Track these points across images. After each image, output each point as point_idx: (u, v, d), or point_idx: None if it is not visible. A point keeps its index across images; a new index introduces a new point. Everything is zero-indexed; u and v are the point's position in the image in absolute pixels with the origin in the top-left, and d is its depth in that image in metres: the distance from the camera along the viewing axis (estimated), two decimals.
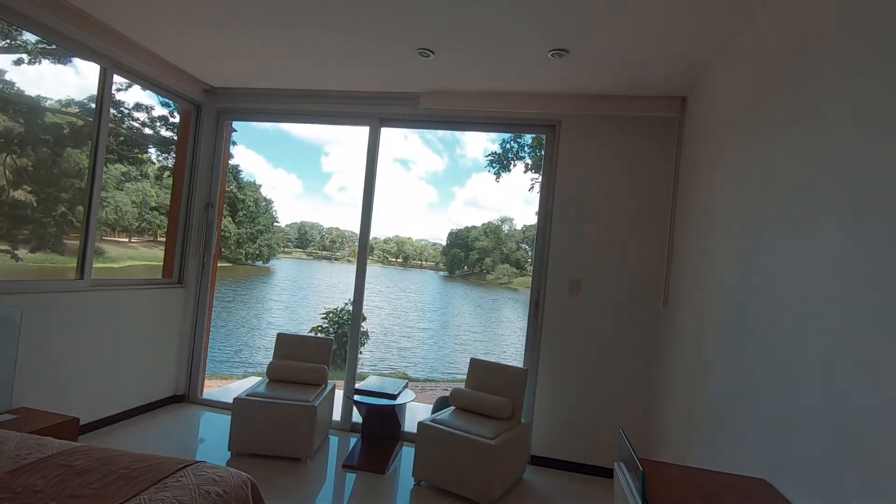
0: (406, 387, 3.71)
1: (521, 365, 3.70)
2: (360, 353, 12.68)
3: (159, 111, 15.24)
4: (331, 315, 11.89)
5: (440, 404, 3.85)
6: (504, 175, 9.74)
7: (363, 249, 3.98)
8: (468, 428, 2.98)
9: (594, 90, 3.37)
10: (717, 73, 2.69)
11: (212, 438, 3.57)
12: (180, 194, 4.13)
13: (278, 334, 3.83)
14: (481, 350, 17.32)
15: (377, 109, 3.90)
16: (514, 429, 3.10)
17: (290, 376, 3.60)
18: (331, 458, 3.44)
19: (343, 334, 11.74)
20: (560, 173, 3.60)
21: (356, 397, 3.41)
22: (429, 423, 3.05)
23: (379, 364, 13.86)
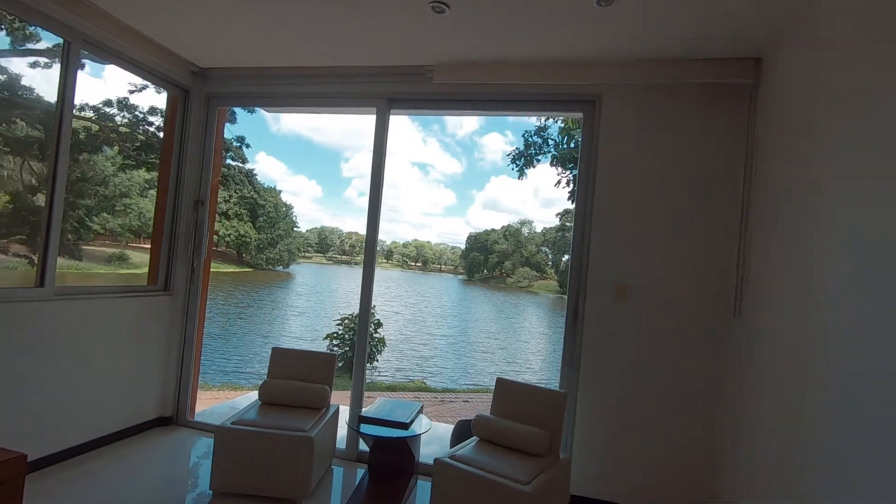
0: (421, 411, 3.15)
1: (549, 380, 3.11)
2: (376, 360, 12.21)
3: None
4: (346, 321, 11.43)
5: (460, 431, 3.27)
6: (527, 172, 9.15)
7: (371, 249, 3.45)
8: (496, 467, 2.40)
9: (644, 54, 2.78)
10: (816, 18, 2.07)
11: (199, 471, 3.07)
12: (166, 190, 3.66)
13: (273, 349, 3.32)
14: (504, 359, 16.58)
15: (385, 88, 3.38)
16: (552, 468, 2.51)
17: (286, 399, 3.08)
18: (334, 497, 2.91)
19: None
20: (601, 159, 3.01)
21: (361, 427, 2.86)
22: (447, 460, 2.48)
23: (396, 374, 13.34)
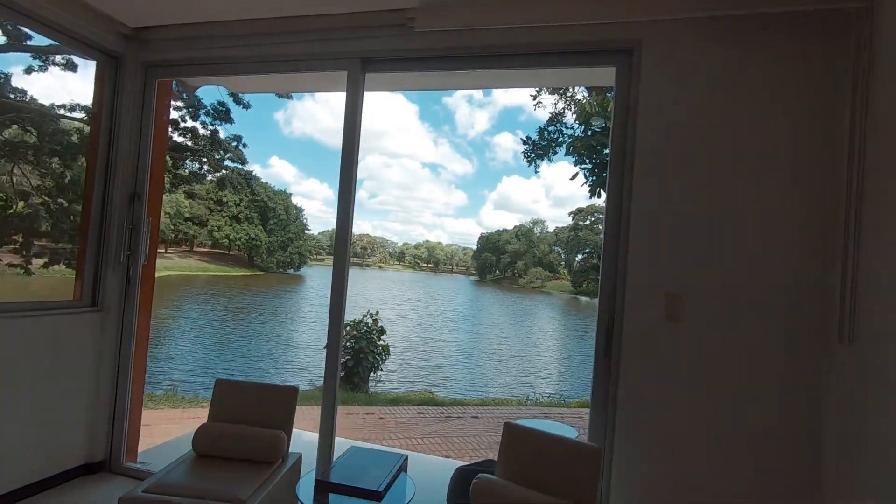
0: (403, 468, 2.38)
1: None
2: (381, 370, 11.47)
3: (173, 114, 14.56)
4: (347, 328, 10.71)
5: (459, 485, 2.50)
6: (541, 168, 8.39)
7: (342, 242, 2.70)
8: None
9: None
10: None
11: None
12: (93, 183, 2.97)
13: (217, 382, 2.59)
14: (518, 367, 15.65)
15: (357, 46, 2.64)
16: None
17: (226, 450, 2.35)
18: None
19: (361, 350, 10.55)
20: (642, 130, 2.23)
21: (320, 495, 2.10)
22: None
23: (402, 385, 12.59)
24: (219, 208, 54.57)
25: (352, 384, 10.34)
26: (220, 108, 12.29)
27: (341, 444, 2.76)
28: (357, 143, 2.70)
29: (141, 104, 3.05)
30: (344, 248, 2.68)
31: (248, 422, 2.46)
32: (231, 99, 12.16)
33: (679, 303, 2.16)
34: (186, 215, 49.32)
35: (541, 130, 7.94)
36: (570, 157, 7.33)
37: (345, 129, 2.70)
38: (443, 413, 7.89)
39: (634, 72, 2.27)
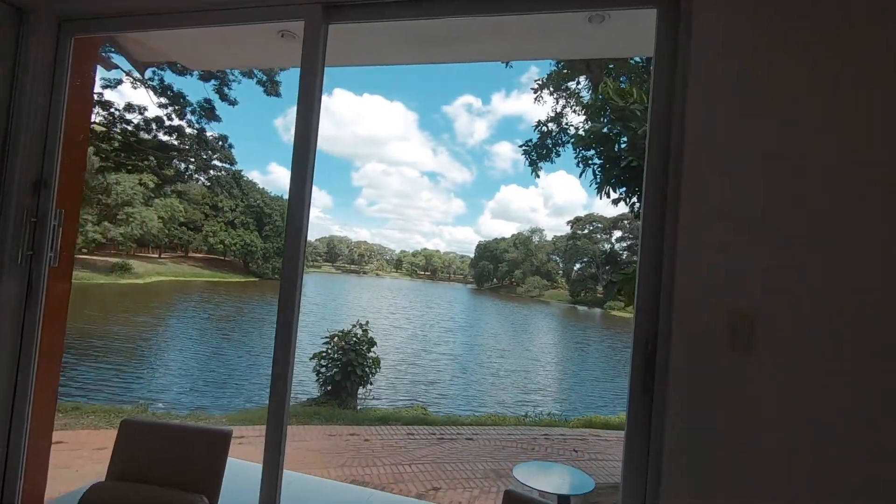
0: None
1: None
2: (370, 384, 10.80)
3: (153, 111, 13.98)
4: (335, 339, 10.06)
5: None
6: (541, 173, 7.81)
7: (294, 235, 2.06)
8: None
9: None
10: None
11: None
12: None
13: (123, 424, 1.95)
14: (516, 384, 14.86)
15: None
16: None
17: None
18: None
19: (349, 363, 9.88)
20: (694, 99, 1.62)
21: None
22: None
23: (394, 397, 11.92)
24: (214, 213, 53.91)
25: (339, 399, 9.66)
26: (206, 106, 11.72)
27: (316, 481, 2.13)
28: (316, 116, 2.10)
29: (51, 69, 2.44)
30: (296, 251, 2.05)
31: (160, 480, 1.83)
32: (217, 96, 11.59)
33: (749, 326, 1.54)
34: (181, 220, 48.68)
35: (542, 134, 7.37)
36: (575, 154, 6.75)
37: (300, 98, 2.10)
38: (435, 434, 7.22)
39: (684, 16, 1.68)
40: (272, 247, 58.63)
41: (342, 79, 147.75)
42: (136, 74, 12.36)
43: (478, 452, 6.62)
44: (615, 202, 5.99)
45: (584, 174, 5.50)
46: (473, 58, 3.01)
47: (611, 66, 6.21)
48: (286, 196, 2.07)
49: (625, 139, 5.69)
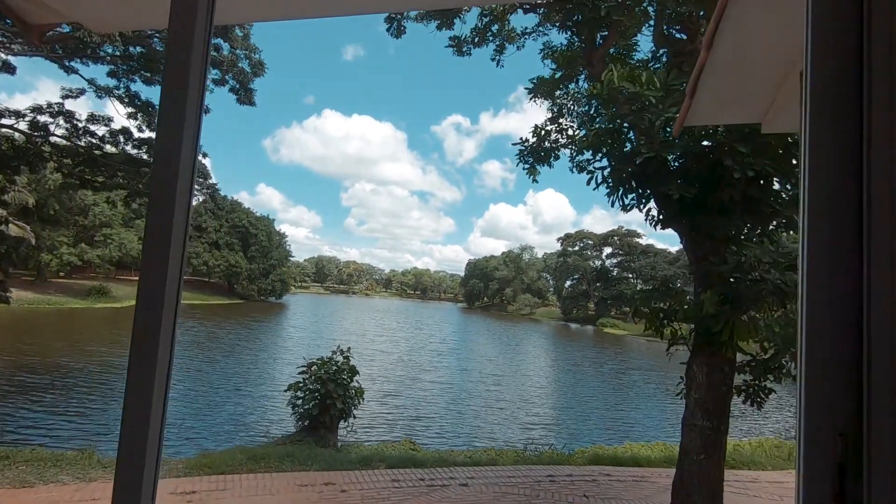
0: None
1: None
2: (353, 417, 9.77)
3: (120, 122, 13.12)
4: (313, 368, 9.05)
5: None
6: (541, 172, 7.05)
7: (160, 204, 1.20)
8: None
9: None
10: None
11: None
12: None
13: None
14: (513, 415, 13.75)
15: None
16: None
17: None
18: None
19: (328, 394, 8.85)
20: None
21: None
22: None
23: (379, 431, 10.83)
24: (198, 234, 52.38)
25: (317, 436, 8.60)
26: None
27: None
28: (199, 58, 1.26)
29: None
30: (170, 193, 1.18)
31: None
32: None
33: None
34: None
35: (539, 135, 6.62)
36: (571, 161, 6.02)
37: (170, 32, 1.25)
38: (423, 480, 6.22)
39: None
40: (258, 268, 57.01)
41: (332, 100, 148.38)
42: (101, 83, 11.54)
43: (476, 499, 5.67)
44: (626, 209, 5.20)
45: (590, 181, 4.72)
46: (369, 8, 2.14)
47: (610, 63, 5.53)
48: (275, 217, 1.22)
49: (632, 134, 4.96)
